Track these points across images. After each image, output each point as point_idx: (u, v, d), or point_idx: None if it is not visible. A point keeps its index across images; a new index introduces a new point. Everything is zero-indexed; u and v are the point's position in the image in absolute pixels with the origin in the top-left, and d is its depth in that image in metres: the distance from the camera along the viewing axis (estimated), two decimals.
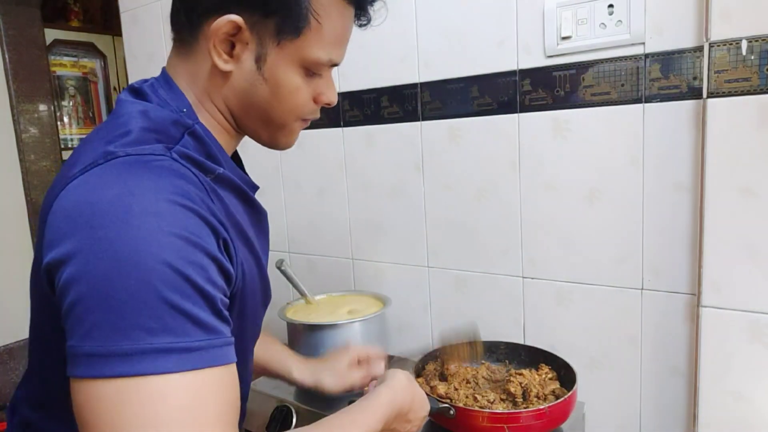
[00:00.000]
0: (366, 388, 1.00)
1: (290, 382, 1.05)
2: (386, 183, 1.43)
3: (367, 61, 1.40)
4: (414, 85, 1.33)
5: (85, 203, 0.52)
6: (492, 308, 1.31)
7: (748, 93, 0.90)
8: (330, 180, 1.53)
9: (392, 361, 1.40)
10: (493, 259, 1.28)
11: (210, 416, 0.50)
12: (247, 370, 0.78)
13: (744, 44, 0.89)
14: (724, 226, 0.95)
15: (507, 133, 1.22)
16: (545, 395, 1.03)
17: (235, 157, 0.81)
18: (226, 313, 0.56)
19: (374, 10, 0.70)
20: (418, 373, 1.12)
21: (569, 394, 0.98)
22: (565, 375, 1.08)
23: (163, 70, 0.69)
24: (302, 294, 1.41)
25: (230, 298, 0.60)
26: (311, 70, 0.66)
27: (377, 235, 1.47)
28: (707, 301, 0.98)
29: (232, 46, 0.63)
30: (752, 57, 0.89)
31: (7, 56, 2.78)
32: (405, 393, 0.81)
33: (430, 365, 1.16)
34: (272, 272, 1.39)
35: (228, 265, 0.57)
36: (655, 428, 1.14)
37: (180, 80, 0.67)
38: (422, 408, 0.87)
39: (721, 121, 0.92)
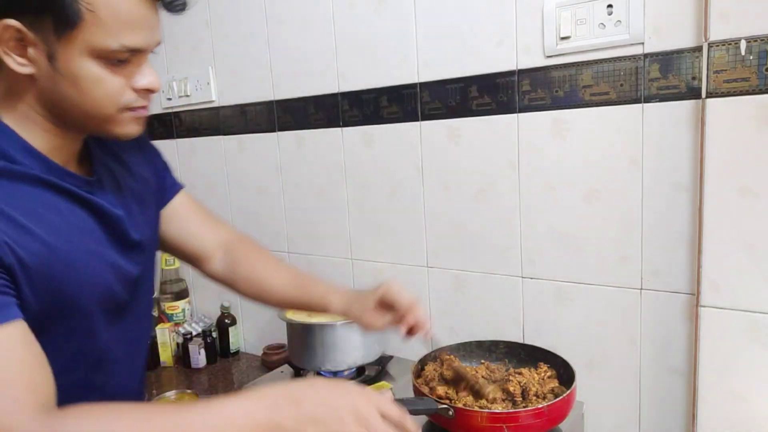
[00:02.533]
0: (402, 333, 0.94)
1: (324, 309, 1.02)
2: (385, 183, 1.43)
3: (366, 61, 1.40)
4: (413, 85, 1.33)
5: None
6: (491, 308, 1.31)
7: (747, 93, 0.90)
8: (329, 180, 1.53)
9: (392, 362, 1.40)
10: (493, 258, 1.29)
11: None
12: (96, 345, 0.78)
13: (743, 44, 0.89)
14: (723, 225, 0.95)
15: (506, 133, 1.22)
16: (544, 394, 1.03)
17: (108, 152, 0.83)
18: None
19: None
20: (418, 374, 1.12)
21: (568, 392, 0.98)
22: (564, 374, 1.08)
23: None
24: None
25: (9, 276, 0.64)
26: (111, 59, 0.67)
27: (376, 235, 1.47)
28: (706, 300, 0.98)
29: (25, 48, 0.65)
30: (751, 57, 0.89)
31: None
32: (313, 387, 0.69)
33: (429, 366, 1.16)
34: None
35: None
36: (654, 428, 1.14)
37: None
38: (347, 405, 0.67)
39: (720, 121, 0.93)
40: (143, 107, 0.74)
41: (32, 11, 0.63)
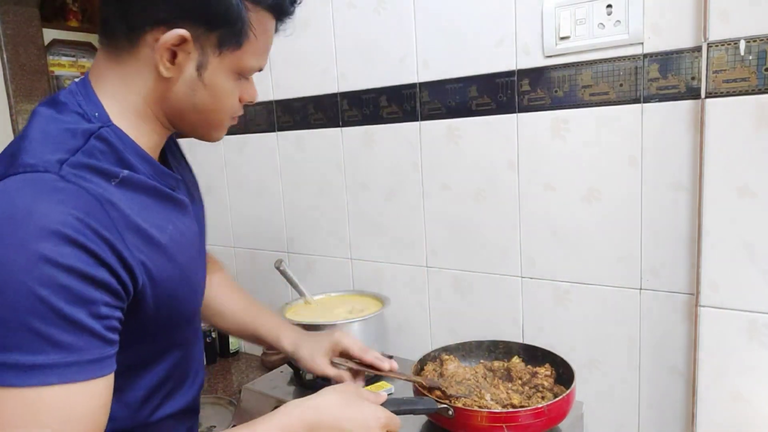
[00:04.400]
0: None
1: (275, 348, 1.06)
2: (385, 183, 1.43)
3: (366, 61, 1.40)
4: (413, 85, 1.33)
5: None
6: (491, 308, 1.31)
7: (747, 93, 0.90)
8: (329, 180, 1.53)
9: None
10: (492, 258, 1.29)
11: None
12: (194, 354, 0.84)
13: (742, 44, 0.89)
14: (722, 225, 0.95)
15: (506, 133, 1.22)
16: (542, 390, 1.04)
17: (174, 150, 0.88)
18: (97, 327, 0.60)
19: (291, 20, 0.77)
20: (417, 374, 1.12)
21: (567, 392, 0.98)
22: (564, 373, 1.08)
23: (86, 74, 0.72)
24: (301, 294, 1.41)
25: (137, 294, 0.65)
26: (242, 75, 0.74)
27: (376, 234, 1.47)
28: (706, 300, 0.98)
29: (174, 54, 0.67)
30: (750, 57, 0.89)
31: (5, 56, 2.78)
32: (327, 412, 0.76)
33: (429, 366, 1.16)
34: (272, 272, 1.39)
35: (109, 277, 0.61)
36: (653, 428, 1.14)
37: (106, 84, 0.70)
38: (360, 427, 0.77)
39: (719, 121, 0.93)
40: (239, 115, 0.80)
41: (205, 25, 0.67)
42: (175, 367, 0.78)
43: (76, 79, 0.73)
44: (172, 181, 0.76)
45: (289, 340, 1.02)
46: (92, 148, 0.65)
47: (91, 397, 0.60)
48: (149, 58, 0.67)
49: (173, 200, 0.75)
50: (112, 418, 0.64)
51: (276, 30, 0.77)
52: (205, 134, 0.79)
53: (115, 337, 0.62)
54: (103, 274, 0.60)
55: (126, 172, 0.67)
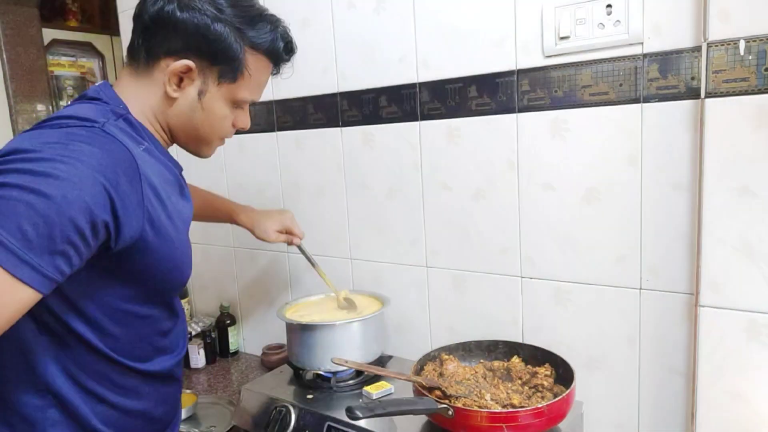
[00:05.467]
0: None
1: (231, 221, 1.37)
2: (385, 183, 1.43)
3: (365, 61, 1.40)
4: (413, 85, 1.33)
5: (20, 147, 0.67)
6: (490, 308, 1.31)
7: (746, 93, 0.90)
8: (329, 180, 1.53)
9: (392, 362, 1.40)
10: (492, 258, 1.29)
11: None
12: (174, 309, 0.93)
13: (742, 44, 0.89)
14: (722, 225, 0.95)
15: (505, 133, 1.22)
16: (542, 390, 1.04)
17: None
18: (59, 248, 0.66)
19: (285, 68, 0.94)
20: (417, 374, 1.12)
21: (567, 392, 0.98)
22: (563, 373, 1.08)
23: (106, 81, 0.88)
24: (314, 265, 1.39)
25: (139, 240, 0.75)
26: (237, 105, 0.90)
27: (376, 234, 1.47)
28: (705, 300, 0.98)
29: (181, 79, 0.83)
30: (750, 57, 0.89)
31: (5, 56, 2.79)
32: None
33: (428, 366, 1.16)
34: (272, 272, 1.39)
35: (111, 221, 0.70)
36: (653, 427, 1.14)
37: (126, 93, 0.85)
38: None
39: (719, 121, 0.93)
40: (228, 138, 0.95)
41: (209, 60, 0.82)
42: (173, 322, 0.91)
43: (98, 83, 0.88)
44: (177, 166, 0.91)
45: (245, 215, 1.34)
46: (120, 124, 0.79)
47: (6, 291, 0.63)
48: (160, 79, 0.83)
49: (177, 180, 0.89)
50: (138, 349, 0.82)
51: (275, 72, 0.92)
52: (196, 149, 0.93)
53: (66, 269, 0.67)
54: (106, 218, 0.69)
55: (146, 144, 0.82)
